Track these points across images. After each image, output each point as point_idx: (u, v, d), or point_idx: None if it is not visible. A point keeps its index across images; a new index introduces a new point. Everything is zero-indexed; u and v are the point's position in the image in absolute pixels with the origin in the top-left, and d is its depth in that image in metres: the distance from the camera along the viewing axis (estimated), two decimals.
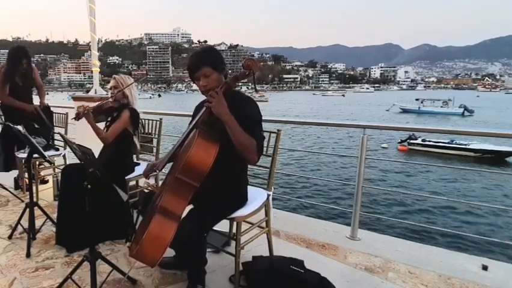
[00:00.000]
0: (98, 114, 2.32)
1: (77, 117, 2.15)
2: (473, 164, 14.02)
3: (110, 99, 2.32)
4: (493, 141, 15.19)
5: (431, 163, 14.90)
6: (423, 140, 16.60)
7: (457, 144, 15.74)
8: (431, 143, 16.39)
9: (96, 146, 2.24)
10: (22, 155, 3.04)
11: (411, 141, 16.84)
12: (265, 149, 1.86)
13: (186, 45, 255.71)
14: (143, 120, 2.93)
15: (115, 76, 2.36)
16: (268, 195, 1.92)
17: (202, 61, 1.55)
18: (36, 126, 3.16)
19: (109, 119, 2.39)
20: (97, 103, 2.32)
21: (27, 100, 3.38)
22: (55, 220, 2.34)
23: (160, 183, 2.21)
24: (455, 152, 15.64)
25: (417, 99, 39.86)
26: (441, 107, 38.04)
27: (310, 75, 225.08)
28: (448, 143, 15.98)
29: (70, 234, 2.15)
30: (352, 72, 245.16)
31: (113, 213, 2.17)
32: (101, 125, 2.36)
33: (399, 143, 17.49)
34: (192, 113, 1.85)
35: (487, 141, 15.33)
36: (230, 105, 1.44)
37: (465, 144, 15.54)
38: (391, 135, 19.18)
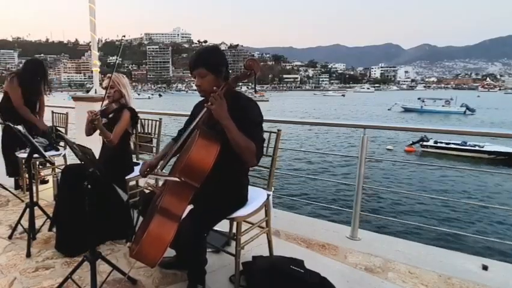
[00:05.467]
0: (105, 117, 2.32)
1: (91, 123, 2.12)
2: (485, 166, 13.92)
3: (113, 104, 2.30)
4: (506, 143, 15.07)
5: (434, 163, 14.86)
6: (436, 142, 16.38)
7: (471, 146, 15.55)
8: (443, 145, 16.19)
9: (96, 146, 2.24)
10: (22, 155, 3.04)
11: (424, 143, 16.61)
12: (265, 149, 1.86)
13: (186, 45, 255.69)
14: (143, 120, 2.93)
15: (109, 75, 2.30)
16: (268, 195, 1.92)
17: (199, 61, 1.56)
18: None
19: (106, 120, 2.35)
20: (102, 108, 2.29)
21: (31, 111, 3.36)
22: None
23: (160, 183, 2.21)
24: (469, 154, 15.46)
25: (419, 98, 39.96)
26: (443, 106, 38.09)
27: (311, 75, 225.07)
28: (461, 144, 15.78)
29: (69, 239, 2.13)
30: (352, 72, 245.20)
31: (114, 214, 2.17)
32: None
33: (410, 144, 17.30)
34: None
35: (498, 143, 15.19)
36: (231, 107, 1.43)
37: (479, 146, 15.38)
38: (395, 135, 19.17)
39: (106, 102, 2.31)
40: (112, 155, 2.31)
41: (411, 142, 17.38)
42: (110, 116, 2.32)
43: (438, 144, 16.30)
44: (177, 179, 1.39)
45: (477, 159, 15.15)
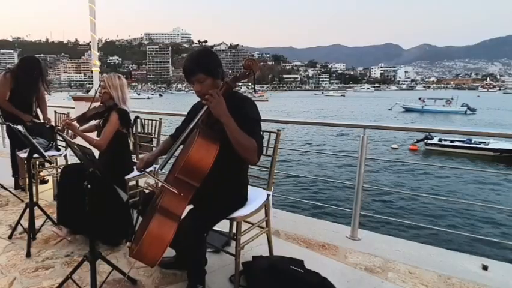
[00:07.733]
0: (86, 120, 2.32)
1: (62, 130, 2.13)
2: (492, 163, 13.86)
3: (97, 105, 2.31)
4: (511, 140, 15.02)
5: (437, 163, 14.85)
6: (440, 140, 16.24)
7: (475, 143, 15.43)
8: (448, 143, 16.07)
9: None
10: (23, 154, 3.04)
11: (428, 141, 16.47)
12: (265, 149, 1.86)
13: (186, 45, 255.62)
14: (143, 120, 2.93)
15: (104, 75, 2.31)
16: (268, 195, 1.92)
17: (195, 67, 1.52)
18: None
19: (100, 123, 2.35)
20: (81, 113, 2.31)
21: (27, 108, 3.33)
22: (55, 219, 2.36)
23: (160, 184, 2.21)
24: (474, 152, 15.37)
25: (420, 98, 40.01)
26: (444, 106, 38.10)
27: (311, 75, 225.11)
28: (466, 142, 15.66)
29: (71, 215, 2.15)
30: (352, 72, 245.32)
31: (113, 213, 2.17)
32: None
33: (415, 142, 17.22)
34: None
35: (503, 140, 15.12)
36: (229, 106, 1.43)
37: (484, 144, 15.27)
38: (397, 134, 19.17)
39: (98, 103, 2.34)
40: (110, 156, 2.30)
41: (415, 140, 17.34)
42: (105, 116, 2.31)
43: (443, 142, 16.20)
44: (175, 191, 1.38)
45: (482, 156, 15.09)
